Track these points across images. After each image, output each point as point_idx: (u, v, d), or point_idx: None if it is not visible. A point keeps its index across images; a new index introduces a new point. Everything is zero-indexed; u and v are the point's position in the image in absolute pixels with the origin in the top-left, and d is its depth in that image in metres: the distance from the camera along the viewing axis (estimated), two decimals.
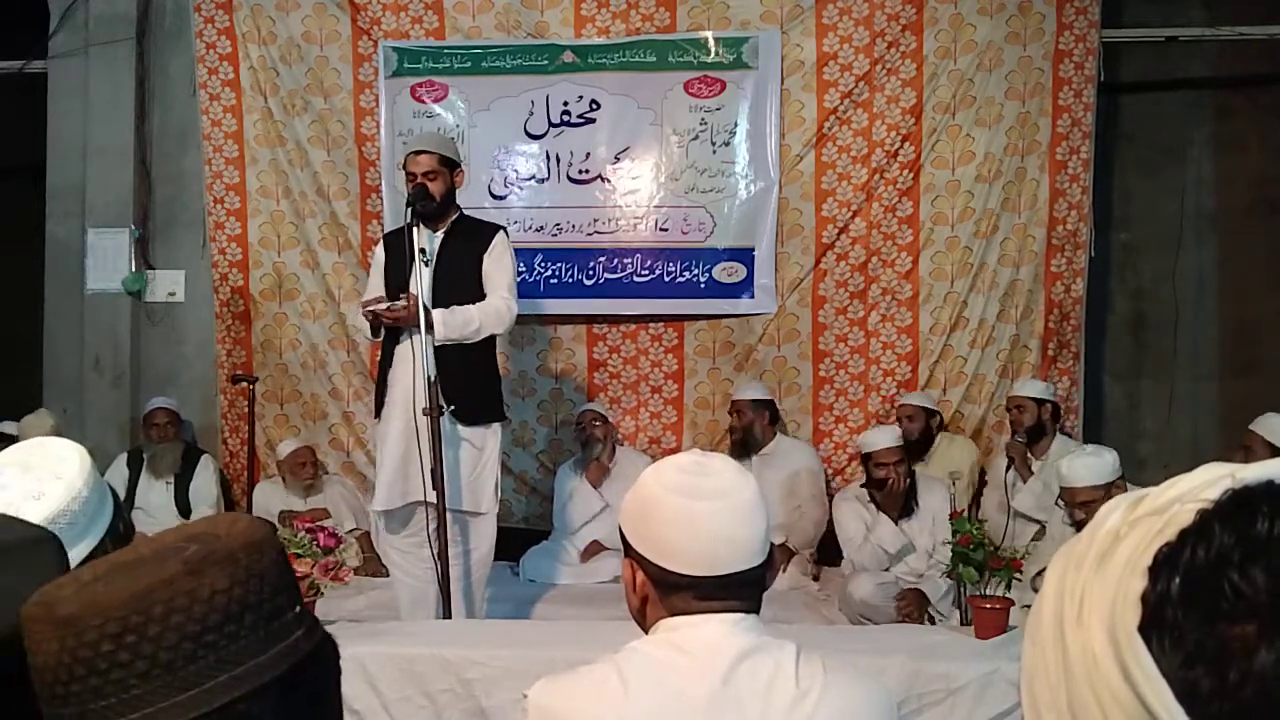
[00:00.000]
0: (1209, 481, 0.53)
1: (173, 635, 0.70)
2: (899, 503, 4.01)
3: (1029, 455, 4.41)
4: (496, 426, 3.70)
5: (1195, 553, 0.50)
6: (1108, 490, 3.35)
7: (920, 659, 2.78)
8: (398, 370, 3.55)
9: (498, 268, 3.63)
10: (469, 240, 3.66)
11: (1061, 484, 3.51)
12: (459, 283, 3.57)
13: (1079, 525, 3.42)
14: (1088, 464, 3.43)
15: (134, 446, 5.07)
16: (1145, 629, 0.51)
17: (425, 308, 3.37)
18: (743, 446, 4.71)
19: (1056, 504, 3.81)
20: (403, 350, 3.53)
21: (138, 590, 0.71)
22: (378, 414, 3.67)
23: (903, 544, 3.97)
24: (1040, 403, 4.44)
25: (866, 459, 4.09)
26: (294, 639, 0.76)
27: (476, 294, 3.59)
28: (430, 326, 3.39)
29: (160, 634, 0.70)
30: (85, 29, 5.29)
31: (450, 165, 3.62)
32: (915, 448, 4.62)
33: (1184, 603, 0.50)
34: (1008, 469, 4.35)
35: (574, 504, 4.80)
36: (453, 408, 3.44)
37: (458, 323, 3.46)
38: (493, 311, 3.55)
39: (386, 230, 4.95)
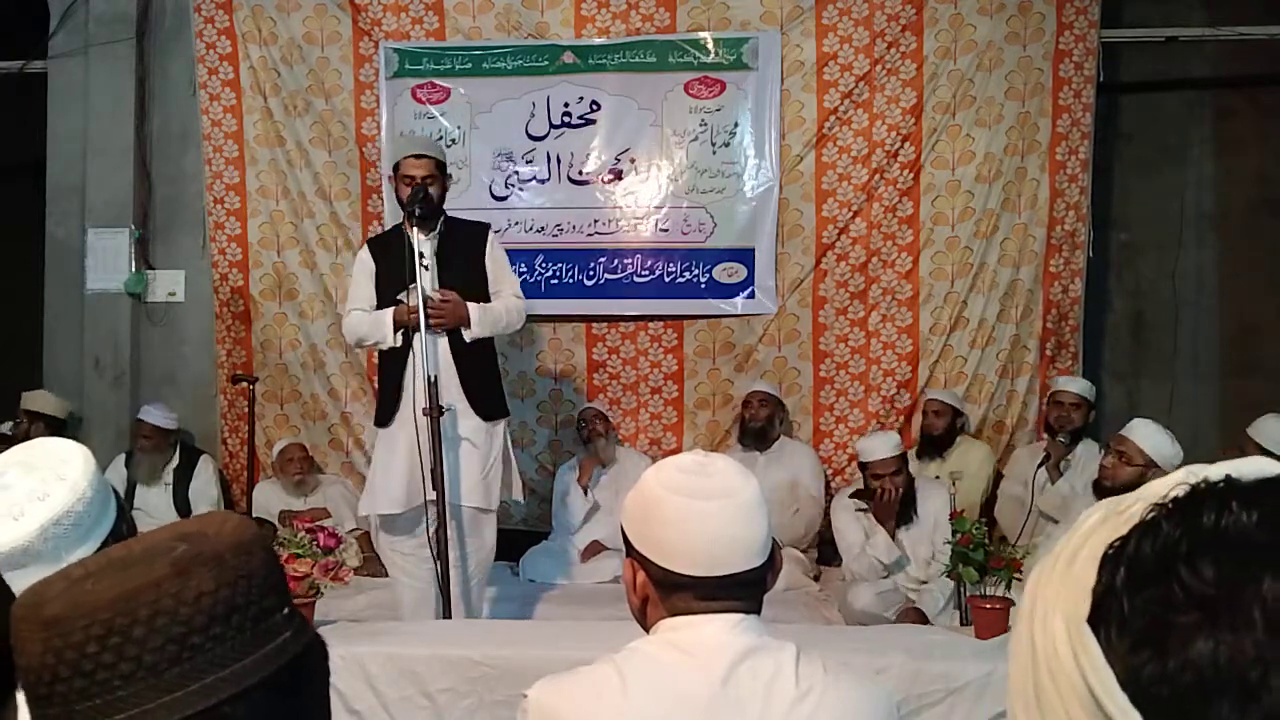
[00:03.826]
0: (1178, 482, 0.56)
1: (157, 637, 0.71)
2: (893, 512, 3.95)
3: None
4: (502, 423, 3.75)
5: (1140, 545, 0.54)
6: (1149, 469, 3.39)
7: (920, 659, 2.78)
8: (412, 372, 3.54)
9: (501, 269, 3.74)
10: (463, 242, 3.68)
11: (1126, 432, 3.52)
12: (462, 285, 3.59)
13: (1105, 473, 3.48)
14: (1160, 438, 3.46)
15: (133, 447, 5.07)
16: (1095, 618, 0.54)
17: (426, 309, 3.41)
18: (760, 436, 4.72)
19: (1103, 449, 3.82)
20: (416, 354, 3.53)
21: (124, 592, 0.71)
22: (387, 420, 3.63)
23: (897, 557, 3.94)
24: (1090, 403, 4.45)
25: (864, 466, 4.05)
26: (282, 640, 0.76)
27: (479, 294, 3.64)
28: (431, 326, 3.43)
29: (145, 636, 0.70)
30: (85, 29, 5.29)
31: (443, 170, 3.65)
32: (936, 443, 4.63)
33: (1129, 592, 0.53)
34: (1039, 465, 4.34)
35: (573, 504, 4.80)
36: (451, 406, 3.48)
37: (489, 320, 3.61)
38: (514, 309, 3.71)
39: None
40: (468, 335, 3.56)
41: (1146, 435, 3.46)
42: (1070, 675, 0.55)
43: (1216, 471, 0.55)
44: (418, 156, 3.59)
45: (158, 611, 0.71)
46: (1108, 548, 0.55)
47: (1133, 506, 0.57)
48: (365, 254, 3.77)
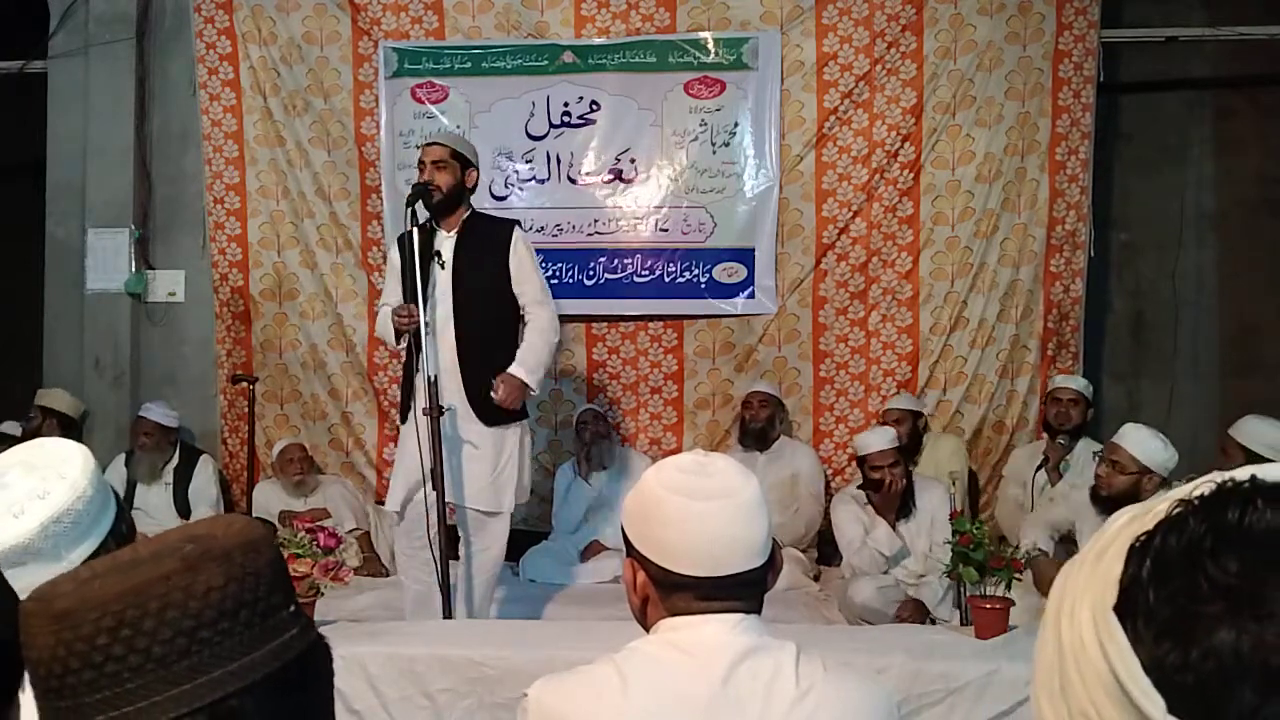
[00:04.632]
0: (1204, 481, 0.58)
1: (167, 630, 0.71)
2: (895, 504, 3.99)
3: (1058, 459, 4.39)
4: (517, 426, 3.67)
5: (1166, 539, 0.56)
6: (1143, 475, 3.37)
7: (920, 659, 2.78)
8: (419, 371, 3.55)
9: (525, 269, 3.64)
10: (484, 240, 3.63)
11: (1117, 439, 3.49)
12: (478, 285, 3.56)
13: (1100, 483, 3.46)
14: (1153, 443, 3.42)
15: (133, 445, 5.07)
16: (1121, 609, 0.56)
17: (426, 314, 3.43)
18: (760, 437, 4.72)
19: (1094, 456, 3.80)
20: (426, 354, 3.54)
21: (134, 586, 0.72)
22: (404, 417, 3.63)
23: (898, 547, 3.96)
24: (1088, 400, 4.45)
25: (862, 461, 4.07)
26: (287, 637, 0.77)
27: (498, 296, 3.59)
28: (430, 329, 3.44)
29: (155, 629, 0.71)
30: (85, 29, 5.29)
31: (462, 161, 3.61)
32: (905, 451, 4.62)
33: (1155, 584, 0.55)
34: (1038, 468, 4.32)
35: (573, 504, 4.81)
36: (451, 407, 3.47)
37: (535, 362, 3.58)
38: (545, 327, 3.64)
39: (387, 231, 4.98)
40: (532, 389, 3.60)
41: (1137, 441, 3.42)
42: (1095, 663, 0.56)
43: (1242, 473, 0.57)
44: (430, 144, 3.60)
45: (167, 605, 0.72)
46: (1134, 541, 0.57)
47: (1159, 506, 0.58)
48: (394, 250, 3.74)
